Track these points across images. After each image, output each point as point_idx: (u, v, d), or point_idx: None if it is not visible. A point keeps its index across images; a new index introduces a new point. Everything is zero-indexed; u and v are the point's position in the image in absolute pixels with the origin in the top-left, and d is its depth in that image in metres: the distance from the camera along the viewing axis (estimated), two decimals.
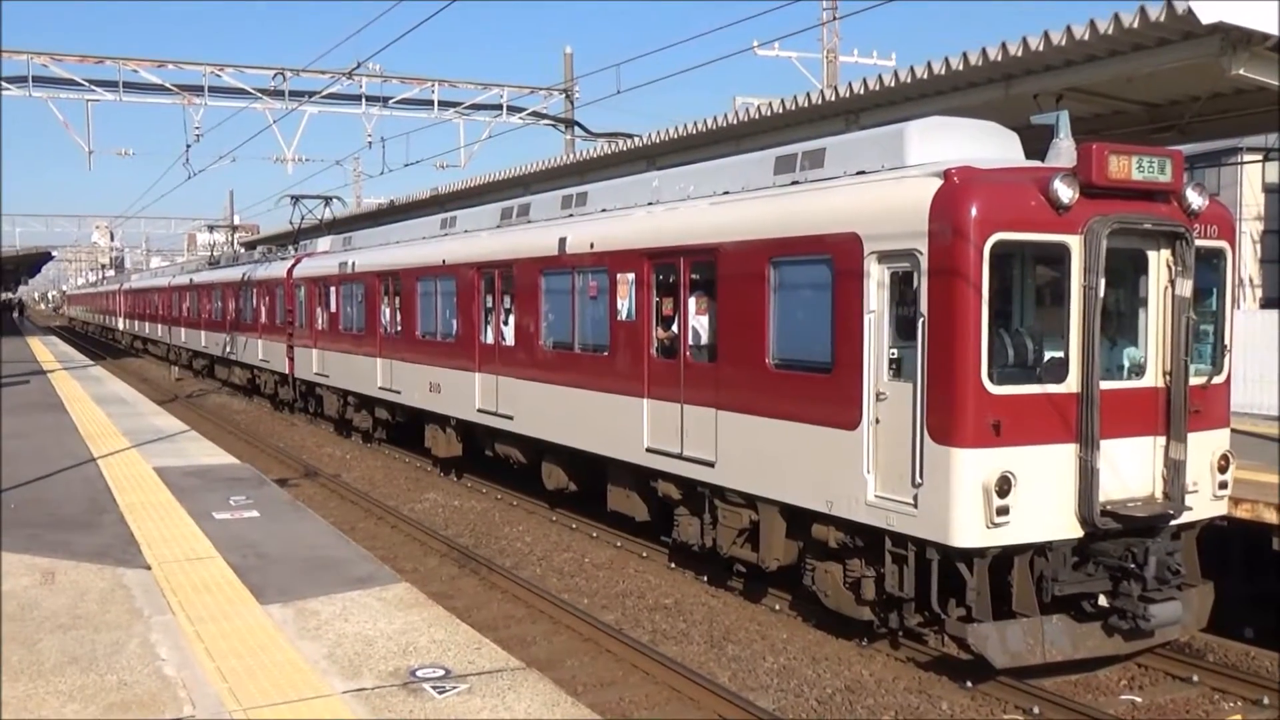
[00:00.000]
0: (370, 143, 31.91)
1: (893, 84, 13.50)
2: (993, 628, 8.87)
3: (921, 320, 8.88)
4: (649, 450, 12.54)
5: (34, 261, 71.66)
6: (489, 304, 16.91)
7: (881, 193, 9.62)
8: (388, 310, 21.20)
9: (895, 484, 9.20)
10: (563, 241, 14.48)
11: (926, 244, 8.84)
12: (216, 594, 8.43)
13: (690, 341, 12.00)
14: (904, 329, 9.23)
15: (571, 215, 15.18)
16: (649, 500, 13.29)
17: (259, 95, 29.59)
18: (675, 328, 12.27)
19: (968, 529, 8.65)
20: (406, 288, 20.12)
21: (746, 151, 13.51)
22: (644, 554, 13.86)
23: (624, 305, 13.04)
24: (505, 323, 16.35)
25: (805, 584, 10.71)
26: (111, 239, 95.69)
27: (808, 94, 15.20)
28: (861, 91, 14.05)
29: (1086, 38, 11.02)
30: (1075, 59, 11.73)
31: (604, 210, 14.40)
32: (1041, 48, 11.48)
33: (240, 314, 33.05)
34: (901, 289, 9.26)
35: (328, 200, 33.68)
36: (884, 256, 9.32)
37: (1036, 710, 8.91)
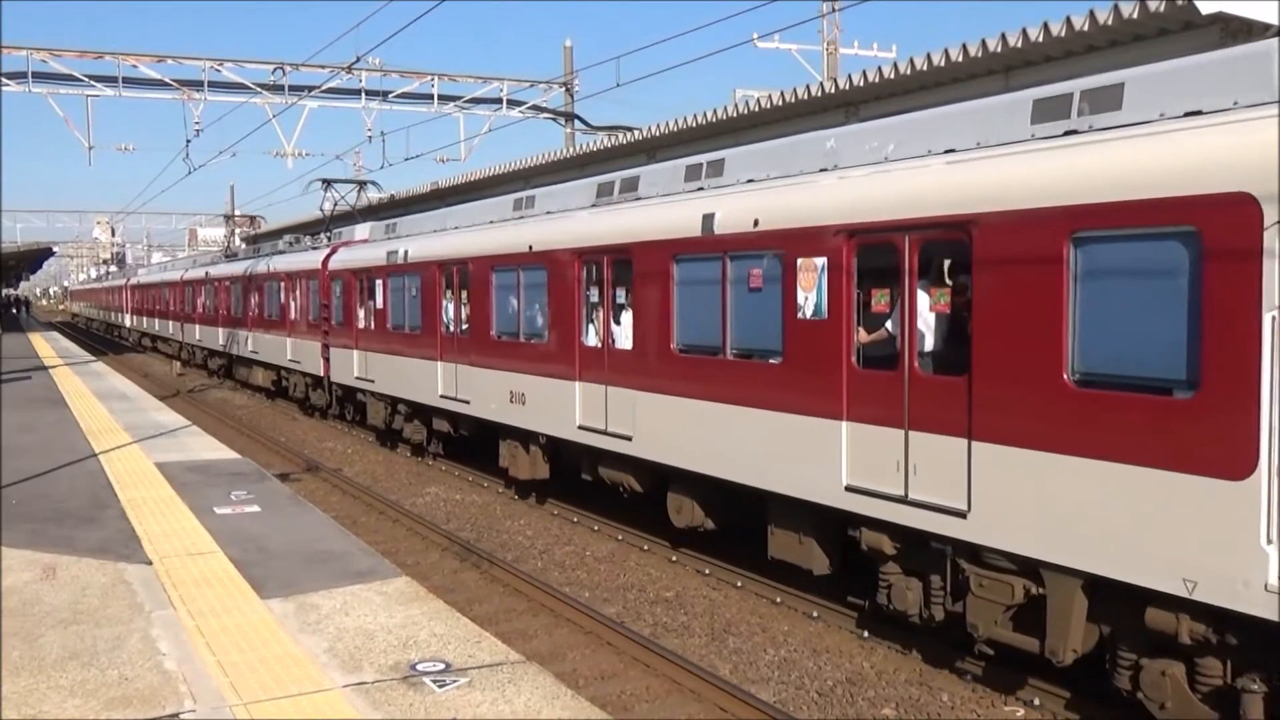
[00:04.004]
0: (370, 137, 32.02)
1: (892, 76, 13.53)
2: None
3: None
4: (849, 490, 9.77)
5: (35, 257, 71.69)
6: (593, 298, 14.12)
7: None
8: (452, 306, 18.33)
9: None
10: (709, 219, 11.53)
11: None
12: (217, 588, 8.45)
13: (918, 347, 9.23)
14: None
15: (702, 189, 12.25)
16: (831, 550, 10.77)
17: (259, 90, 29.69)
18: (892, 328, 9.51)
19: None
20: (478, 279, 17.04)
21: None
22: (645, 547, 13.86)
23: (808, 299, 10.23)
24: (617, 321, 13.50)
25: (1117, 685, 7.93)
26: (113, 234, 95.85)
27: (807, 86, 15.27)
28: (861, 84, 14.09)
29: (1086, 29, 11.05)
30: (1075, 50, 11.76)
31: (750, 180, 11.47)
32: (1041, 39, 11.52)
33: (265, 309, 30.22)
34: None
35: (362, 185, 30.80)
36: None
37: (1037, 702, 8.90)
